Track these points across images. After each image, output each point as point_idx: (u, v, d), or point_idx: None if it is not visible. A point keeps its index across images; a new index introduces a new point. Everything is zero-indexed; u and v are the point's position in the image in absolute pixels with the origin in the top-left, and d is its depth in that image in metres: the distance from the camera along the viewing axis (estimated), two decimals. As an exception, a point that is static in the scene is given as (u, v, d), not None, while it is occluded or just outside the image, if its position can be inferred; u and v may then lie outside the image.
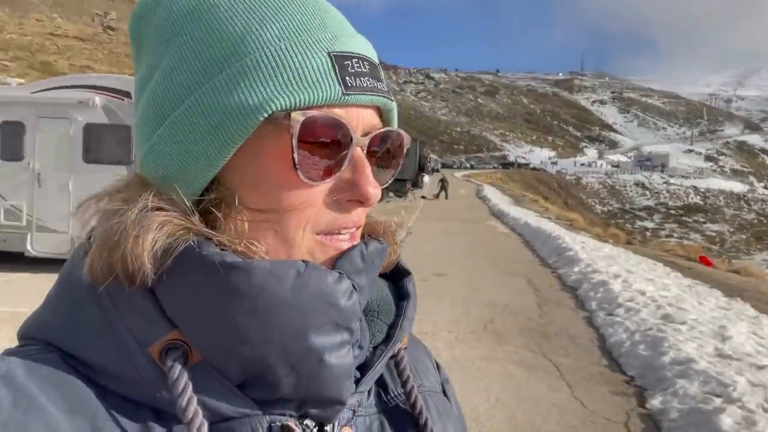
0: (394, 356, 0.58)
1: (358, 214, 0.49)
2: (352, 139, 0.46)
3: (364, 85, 0.46)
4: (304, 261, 0.45)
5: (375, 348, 0.55)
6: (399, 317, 0.57)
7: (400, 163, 0.53)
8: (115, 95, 8.61)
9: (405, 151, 0.53)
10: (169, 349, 0.43)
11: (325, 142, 0.45)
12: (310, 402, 0.47)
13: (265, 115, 0.43)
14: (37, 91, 8.88)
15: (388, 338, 0.55)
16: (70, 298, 0.46)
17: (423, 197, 29.96)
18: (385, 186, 0.52)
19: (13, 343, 0.50)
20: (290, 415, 0.47)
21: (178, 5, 0.47)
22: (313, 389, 0.46)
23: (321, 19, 0.47)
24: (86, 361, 0.44)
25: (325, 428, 0.49)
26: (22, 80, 10.37)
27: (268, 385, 0.45)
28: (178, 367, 0.42)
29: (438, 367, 0.67)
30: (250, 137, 0.44)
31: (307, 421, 0.48)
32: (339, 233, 0.48)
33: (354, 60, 0.46)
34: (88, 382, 0.43)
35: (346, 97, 0.45)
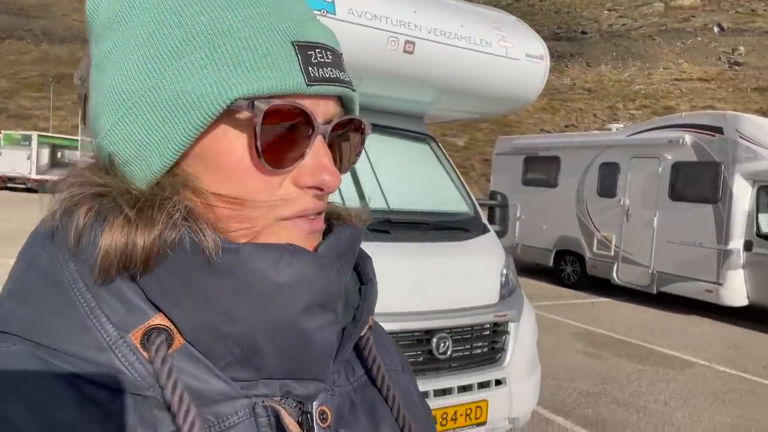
0: (360, 338, 0.58)
1: (319, 201, 0.49)
2: (314, 127, 0.46)
3: (327, 75, 0.46)
4: (290, 244, 0.46)
5: (343, 329, 0.54)
6: (363, 300, 0.57)
7: (360, 151, 0.53)
8: (705, 132, 8.35)
9: (364, 139, 0.53)
10: (151, 334, 0.43)
11: (289, 131, 0.46)
12: (292, 382, 0.48)
13: (228, 102, 0.43)
14: (632, 134, 9.67)
15: (354, 320, 0.55)
16: (40, 285, 0.44)
17: None
18: (343, 174, 0.52)
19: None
20: (272, 396, 0.47)
21: None
22: (299, 369, 0.47)
23: (284, 7, 0.47)
24: (59, 350, 0.42)
25: (305, 408, 0.50)
26: (621, 125, 11.47)
27: (254, 366, 0.46)
28: (162, 352, 0.42)
29: (396, 349, 0.68)
30: (215, 123, 0.44)
31: (289, 401, 0.49)
32: (302, 216, 0.48)
33: (317, 50, 0.46)
34: (61, 373, 0.41)
35: (310, 87, 0.45)
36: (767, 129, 7.97)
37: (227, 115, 0.44)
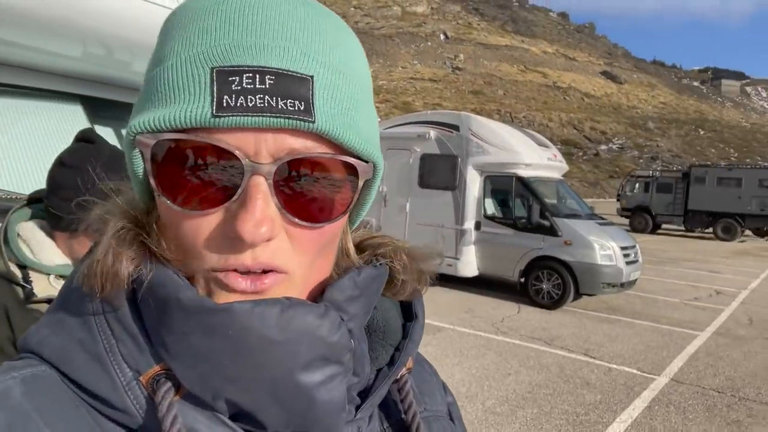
0: (397, 380, 0.55)
1: (255, 256, 0.41)
2: (243, 166, 0.40)
3: (250, 104, 0.39)
4: (287, 297, 0.43)
5: (378, 371, 0.53)
6: (405, 339, 0.55)
7: (353, 197, 0.45)
8: (445, 128, 9.73)
9: (355, 182, 0.44)
10: (160, 378, 0.42)
11: (212, 169, 0.41)
12: None
13: (131, 135, 0.42)
14: (388, 128, 10.67)
15: (392, 361, 0.53)
16: (69, 317, 0.45)
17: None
18: (318, 226, 0.44)
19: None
20: None
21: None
22: (306, 424, 0.45)
23: (225, 32, 0.41)
24: (81, 384, 0.43)
25: None
26: (378, 119, 12.47)
27: (259, 421, 0.44)
28: (168, 399, 0.41)
29: (444, 388, 0.65)
30: (155, 157, 0.42)
31: None
32: (236, 270, 0.42)
33: (247, 75, 0.39)
34: (84, 405, 0.42)
35: (217, 119, 0.39)
36: (490, 128, 9.62)
37: (147, 149, 0.42)
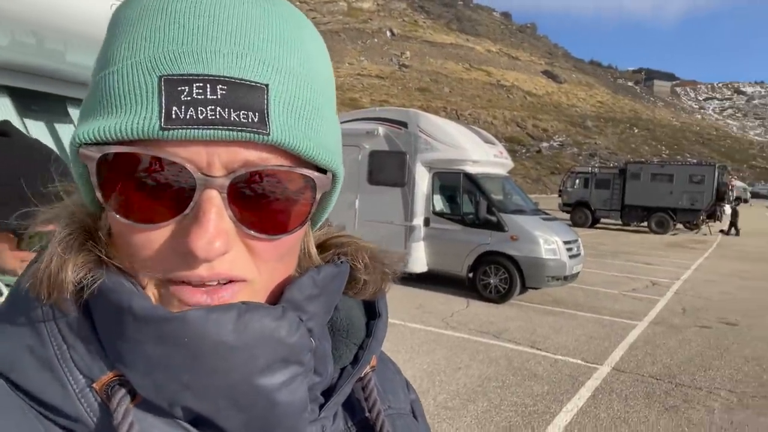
0: (361, 379, 0.55)
1: (212, 267, 0.40)
2: (195, 179, 0.38)
3: (201, 116, 0.37)
4: (243, 302, 0.42)
5: (342, 370, 0.53)
6: (368, 338, 0.55)
7: (307, 209, 0.43)
8: (393, 125, 9.75)
9: (313, 194, 0.43)
10: (114, 384, 0.41)
11: (162, 182, 0.39)
12: None
13: (75, 145, 0.40)
14: (336, 124, 10.60)
15: (356, 359, 0.53)
16: (17, 323, 0.43)
17: (721, 231, 25.60)
18: (275, 238, 0.42)
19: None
20: None
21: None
22: (268, 426, 0.44)
23: (172, 36, 0.38)
24: (30, 392, 0.41)
25: None
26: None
27: (219, 426, 0.43)
28: (123, 405, 0.40)
29: (408, 385, 0.65)
30: (101, 171, 0.39)
31: None
32: (190, 283, 0.41)
33: (197, 84, 0.37)
34: (33, 413, 0.41)
35: (166, 132, 0.37)
36: (438, 126, 9.71)
37: (92, 162, 0.39)
